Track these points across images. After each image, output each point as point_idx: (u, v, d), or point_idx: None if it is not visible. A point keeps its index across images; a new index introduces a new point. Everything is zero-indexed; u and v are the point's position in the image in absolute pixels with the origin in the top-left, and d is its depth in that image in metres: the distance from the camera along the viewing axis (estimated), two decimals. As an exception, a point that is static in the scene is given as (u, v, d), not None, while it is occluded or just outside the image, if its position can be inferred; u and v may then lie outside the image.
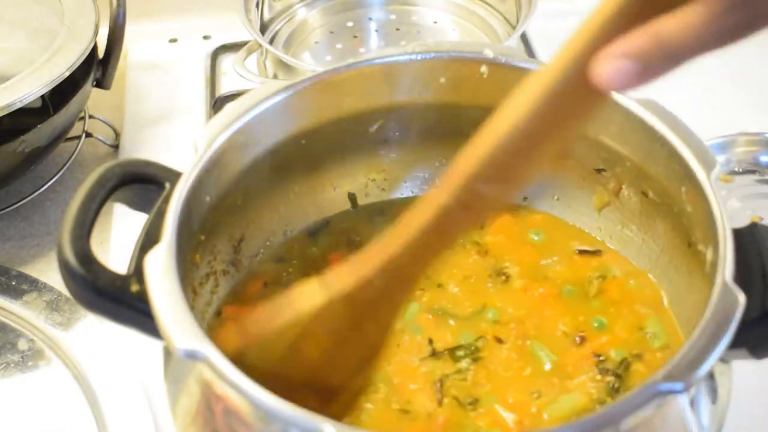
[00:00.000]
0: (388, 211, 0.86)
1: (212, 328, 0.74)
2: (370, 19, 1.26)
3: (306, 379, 0.61)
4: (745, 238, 0.63)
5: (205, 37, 1.30)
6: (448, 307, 0.76)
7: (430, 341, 0.74)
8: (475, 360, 0.72)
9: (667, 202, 0.72)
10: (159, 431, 0.80)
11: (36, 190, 1.06)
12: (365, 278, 0.57)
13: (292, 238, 0.83)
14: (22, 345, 0.88)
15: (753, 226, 0.64)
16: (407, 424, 0.69)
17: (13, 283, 0.93)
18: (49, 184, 1.06)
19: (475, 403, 0.70)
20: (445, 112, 0.81)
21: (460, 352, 0.73)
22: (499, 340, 0.74)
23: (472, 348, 0.73)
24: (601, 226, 0.81)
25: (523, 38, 1.23)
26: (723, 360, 0.61)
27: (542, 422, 0.68)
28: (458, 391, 0.70)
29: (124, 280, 0.62)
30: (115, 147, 1.14)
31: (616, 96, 0.73)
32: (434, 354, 0.73)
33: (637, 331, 0.74)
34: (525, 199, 0.85)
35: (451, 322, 0.76)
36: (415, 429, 0.68)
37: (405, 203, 0.85)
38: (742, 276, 0.60)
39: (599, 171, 0.79)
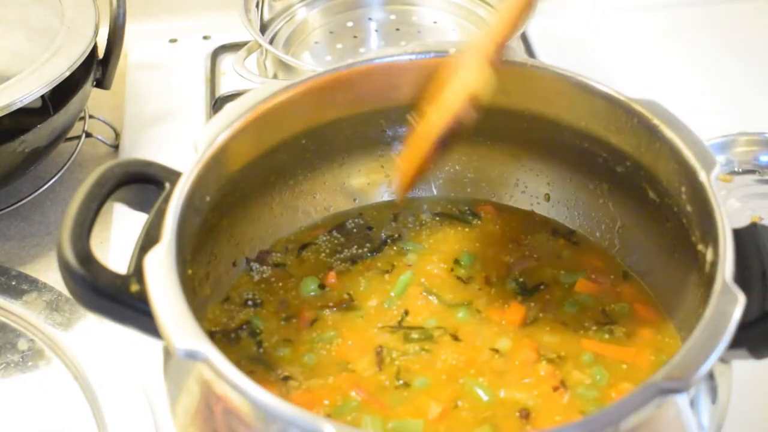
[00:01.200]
0: (389, 211, 0.86)
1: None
2: (370, 19, 1.26)
3: None
4: (745, 238, 0.63)
5: (205, 37, 1.30)
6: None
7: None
8: (424, 349, 0.73)
9: (667, 202, 0.72)
10: (159, 431, 0.80)
11: (36, 190, 1.06)
12: None
13: (292, 237, 0.83)
14: (22, 345, 0.88)
15: (753, 226, 0.64)
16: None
17: (13, 283, 0.93)
18: (49, 184, 1.06)
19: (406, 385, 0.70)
20: (445, 112, 0.81)
21: (415, 335, 0.74)
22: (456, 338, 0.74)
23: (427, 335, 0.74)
24: (600, 225, 0.82)
25: (523, 38, 1.23)
26: (723, 360, 0.61)
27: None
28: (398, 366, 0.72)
29: (124, 280, 0.62)
30: (115, 147, 1.14)
31: (617, 96, 0.73)
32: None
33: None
34: (511, 197, 0.86)
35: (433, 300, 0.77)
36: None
37: (406, 202, 0.87)
38: (742, 276, 0.60)
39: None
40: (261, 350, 0.74)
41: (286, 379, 0.71)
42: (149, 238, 0.63)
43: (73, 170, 1.09)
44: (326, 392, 0.70)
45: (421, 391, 0.70)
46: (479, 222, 0.85)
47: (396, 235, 0.83)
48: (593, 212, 0.82)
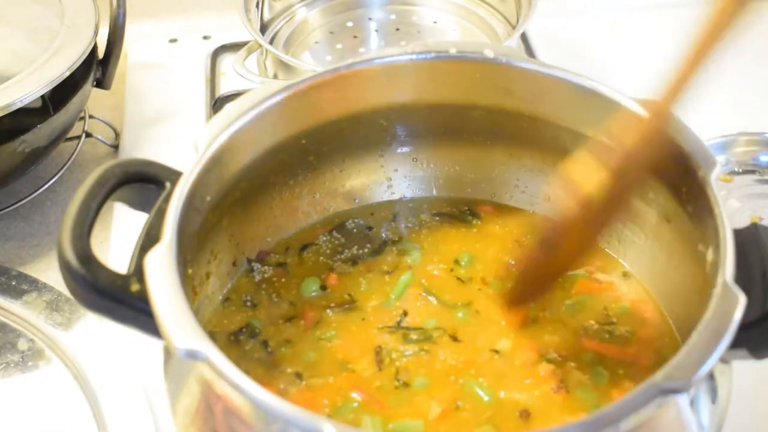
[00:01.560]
0: (389, 211, 0.86)
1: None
2: (370, 19, 1.26)
3: None
4: (745, 238, 0.63)
5: (205, 37, 1.30)
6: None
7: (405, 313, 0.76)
8: (423, 350, 0.73)
9: (667, 202, 0.72)
10: (159, 431, 0.80)
11: (36, 190, 1.06)
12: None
13: (293, 237, 0.83)
14: (22, 345, 0.88)
15: (753, 226, 0.64)
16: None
17: (13, 283, 0.93)
18: (49, 184, 1.06)
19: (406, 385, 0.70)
20: (445, 112, 0.81)
21: (414, 335, 0.74)
22: (455, 339, 0.74)
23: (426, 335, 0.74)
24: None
25: (523, 38, 1.23)
26: (723, 360, 0.61)
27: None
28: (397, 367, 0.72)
29: (124, 279, 0.62)
30: (115, 147, 1.14)
31: (617, 96, 0.73)
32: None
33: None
34: (511, 197, 0.86)
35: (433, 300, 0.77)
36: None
37: (406, 203, 0.87)
38: (742, 276, 0.60)
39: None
40: (261, 350, 0.74)
41: (287, 378, 0.71)
42: (149, 238, 0.63)
43: (73, 170, 1.09)
44: (326, 392, 0.70)
45: (421, 392, 0.70)
46: (479, 222, 0.85)
47: (396, 236, 0.83)
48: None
